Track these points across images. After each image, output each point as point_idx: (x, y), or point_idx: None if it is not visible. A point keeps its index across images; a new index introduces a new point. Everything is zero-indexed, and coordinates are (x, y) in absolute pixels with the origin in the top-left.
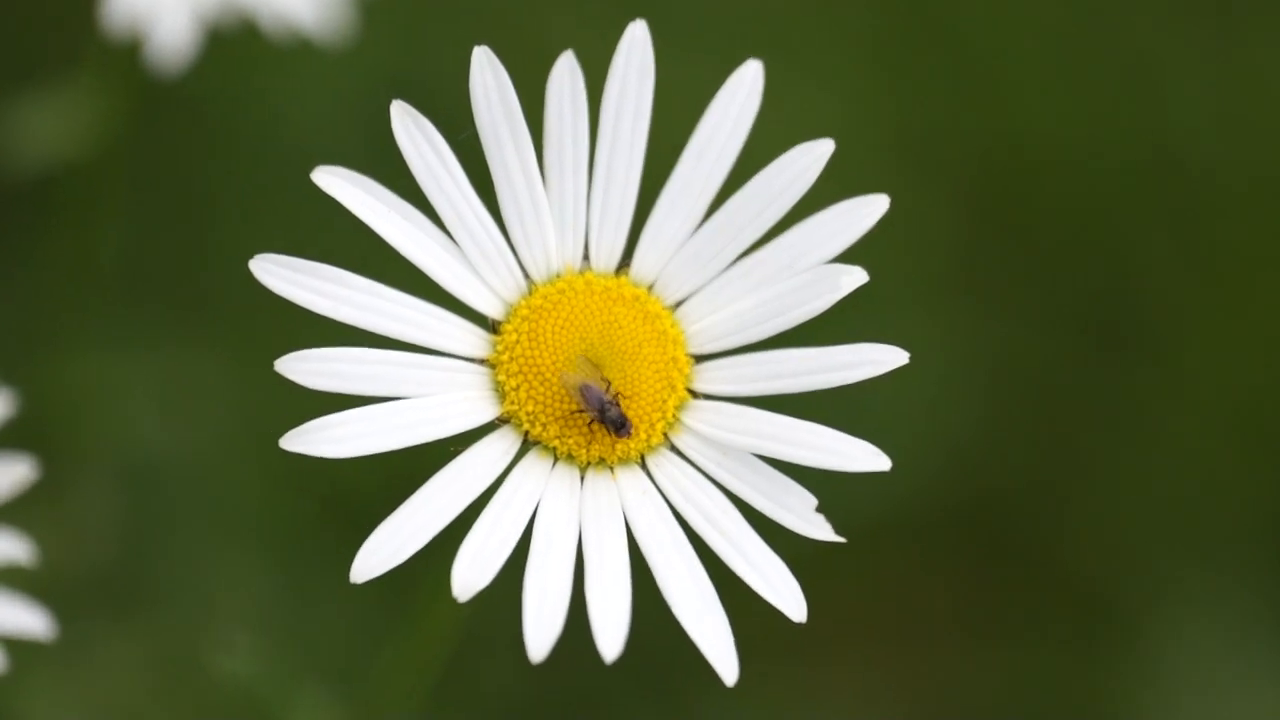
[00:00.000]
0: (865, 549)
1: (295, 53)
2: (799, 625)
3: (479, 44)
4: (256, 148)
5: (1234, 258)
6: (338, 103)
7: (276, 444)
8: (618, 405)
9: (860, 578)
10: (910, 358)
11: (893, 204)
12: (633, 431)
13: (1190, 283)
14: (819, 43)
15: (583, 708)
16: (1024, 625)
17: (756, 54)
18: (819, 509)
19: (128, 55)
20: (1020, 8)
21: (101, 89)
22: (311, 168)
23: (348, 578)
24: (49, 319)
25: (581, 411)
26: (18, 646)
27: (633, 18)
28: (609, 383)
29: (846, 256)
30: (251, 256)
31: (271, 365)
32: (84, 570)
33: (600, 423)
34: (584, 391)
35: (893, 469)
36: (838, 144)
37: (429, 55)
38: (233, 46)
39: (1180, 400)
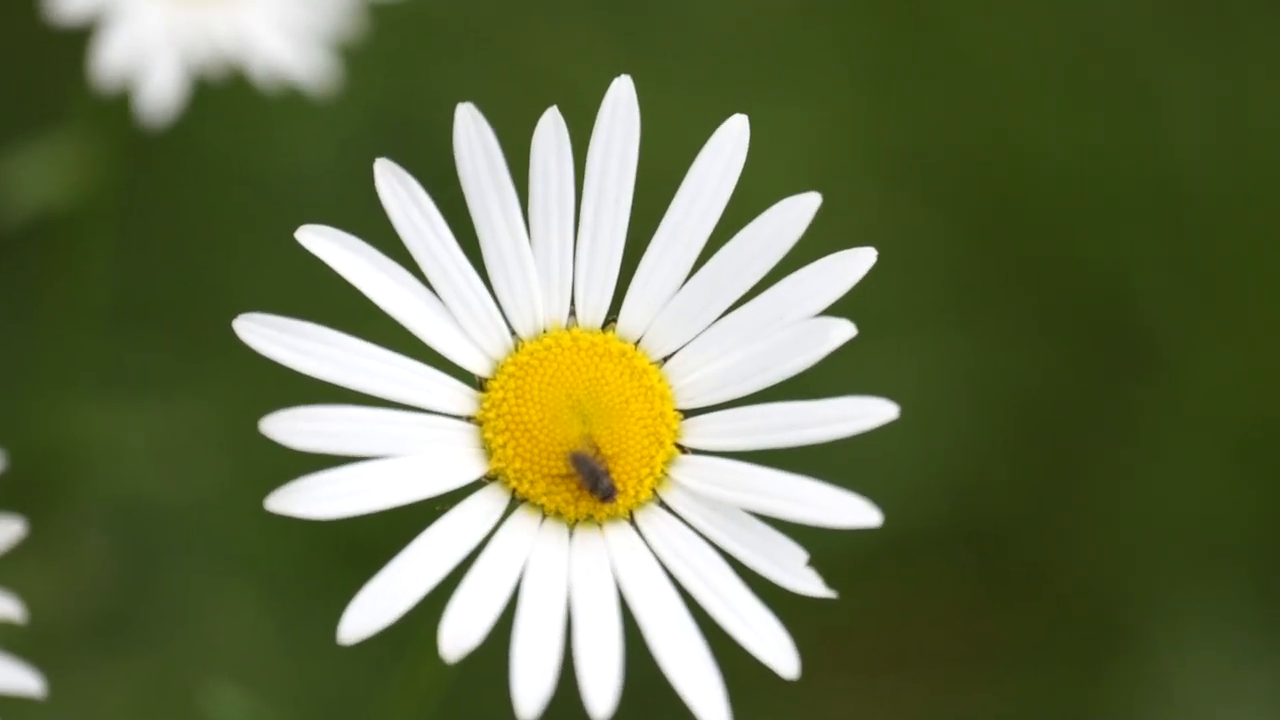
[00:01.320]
0: (862, 575)
1: (289, 100)
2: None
3: (465, 100)
4: (252, 193)
5: (1231, 275)
6: (334, 146)
7: (275, 486)
8: (609, 475)
9: (859, 605)
10: (904, 377)
11: (886, 221)
12: (615, 495)
13: (1188, 299)
14: (810, 58)
15: None
16: (1024, 649)
17: (744, 72)
18: (810, 563)
19: (119, 106)
20: (1015, 22)
21: (93, 138)
22: (306, 214)
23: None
24: (44, 366)
25: (570, 476)
26: (8, 698)
27: (625, 48)
28: (598, 449)
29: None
30: (247, 301)
31: (265, 411)
32: (78, 615)
33: (589, 490)
34: (576, 461)
35: (889, 492)
36: (828, 161)
37: (424, 94)
38: (226, 95)
39: (1179, 418)
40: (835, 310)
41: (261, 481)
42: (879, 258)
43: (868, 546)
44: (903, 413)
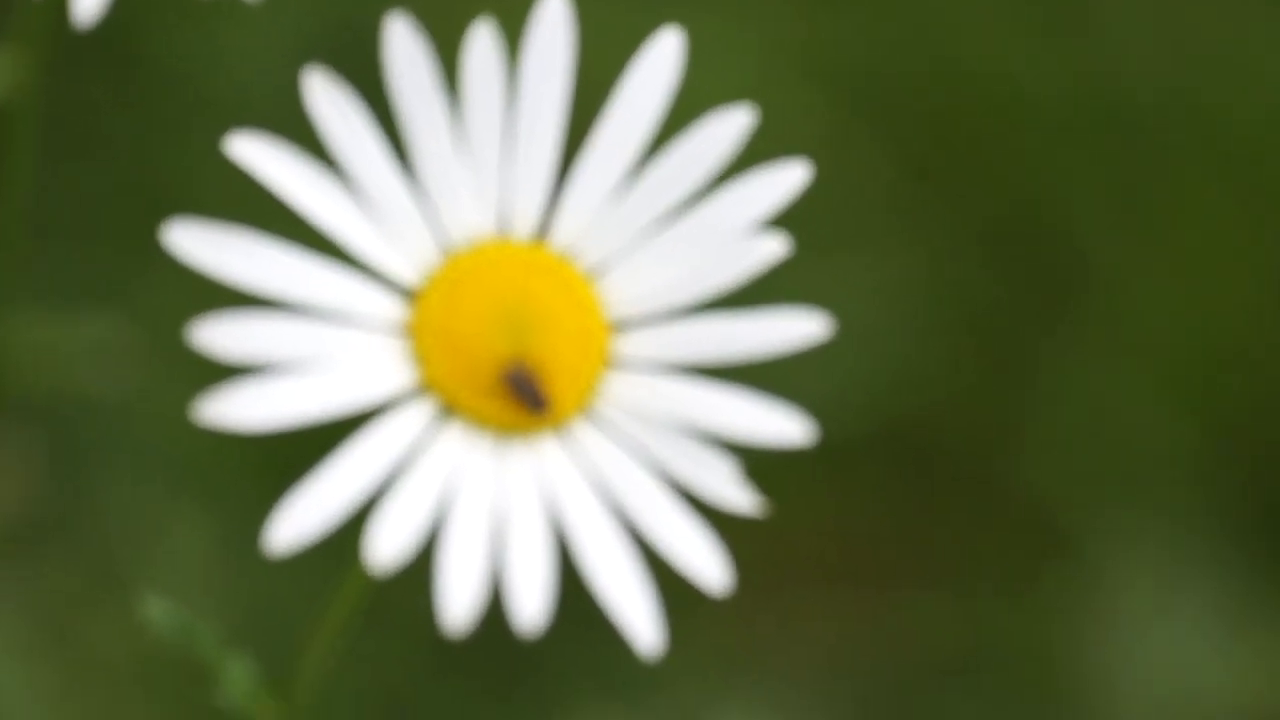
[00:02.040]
0: (803, 488)
1: (231, 6)
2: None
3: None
4: (191, 102)
5: (1170, 196)
6: (277, 53)
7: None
8: (538, 387)
9: (798, 518)
10: (848, 294)
11: (830, 142)
12: (548, 409)
13: (1126, 224)
14: None
15: (523, 666)
16: (964, 559)
17: None
18: (740, 477)
19: (48, 9)
20: None
21: (21, 41)
22: (246, 123)
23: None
24: None
25: (505, 395)
26: None
27: None
28: (524, 363)
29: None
30: (181, 210)
31: (194, 319)
32: (6, 521)
33: (519, 402)
34: (510, 377)
35: (833, 406)
36: (772, 80)
37: (360, 7)
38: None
39: (1118, 340)
40: (778, 230)
41: (193, 389)
42: (821, 177)
43: (807, 460)
44: (845, 329)
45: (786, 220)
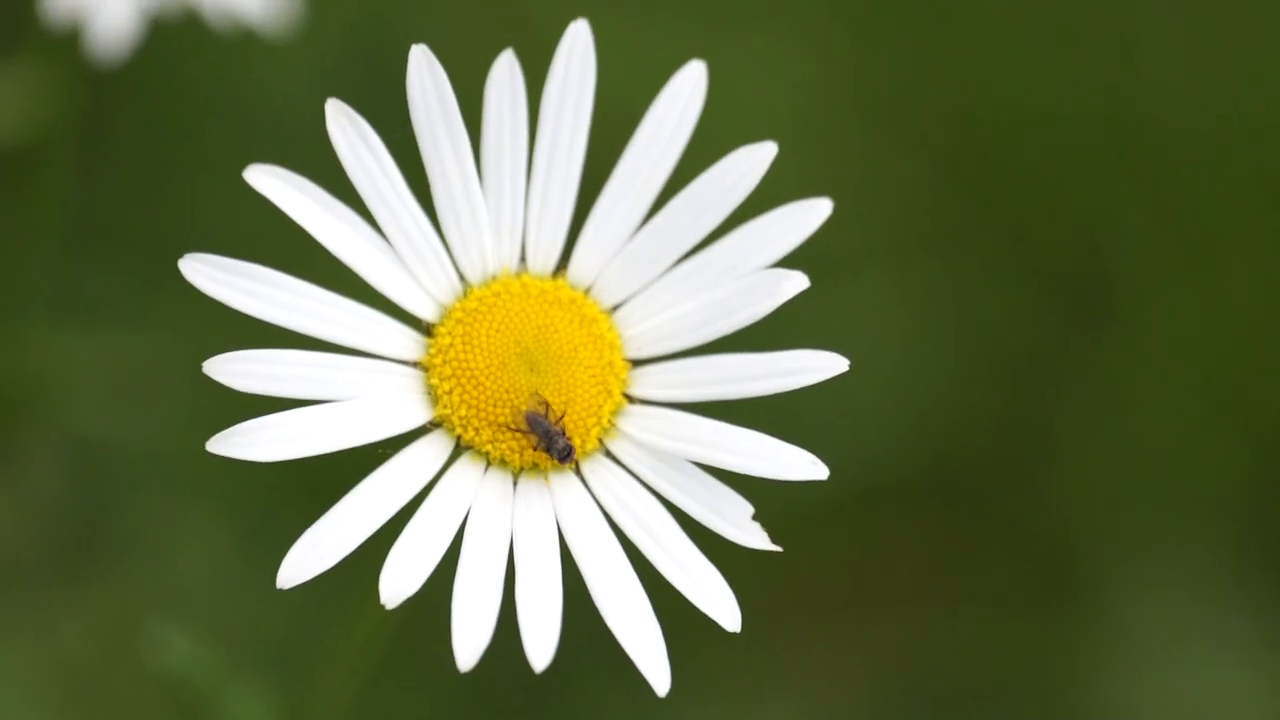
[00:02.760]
0: (827, 520)
1: (249, 39)
2: (762, 596)
3: (418, 42)
4: (221, 125)
5: (1208, 221)
6: (307, 76)
7: (231, 422)
8: (565, 434)
9: (822, 550)
10: (878, 322)
11: (859, 162)
12: (574, 458)
13: (1162, 246)
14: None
15: (542, 691)
16: (987, 594)
17: (718, 11)
18: (755, 517)
19: (70, 41)
20: None
21: (46, 71)
22: (275, 146)
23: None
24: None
25: (526, 433)
26: None
27: None
28: (549, 406)
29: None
30: (210, 234)
31: (225, 345)
32: (35, 545)
33: (545, 450)
34: (530, 421)
35: (855, 434)
36: (803, 101)
37: (395, 24)
38: (198, 25)
39: (1150, 367)
40: (811, 253)
41: (222, 413)
42: (864, 201)
43: (832, 493)
44: (870, 354)
45: (815, 244)
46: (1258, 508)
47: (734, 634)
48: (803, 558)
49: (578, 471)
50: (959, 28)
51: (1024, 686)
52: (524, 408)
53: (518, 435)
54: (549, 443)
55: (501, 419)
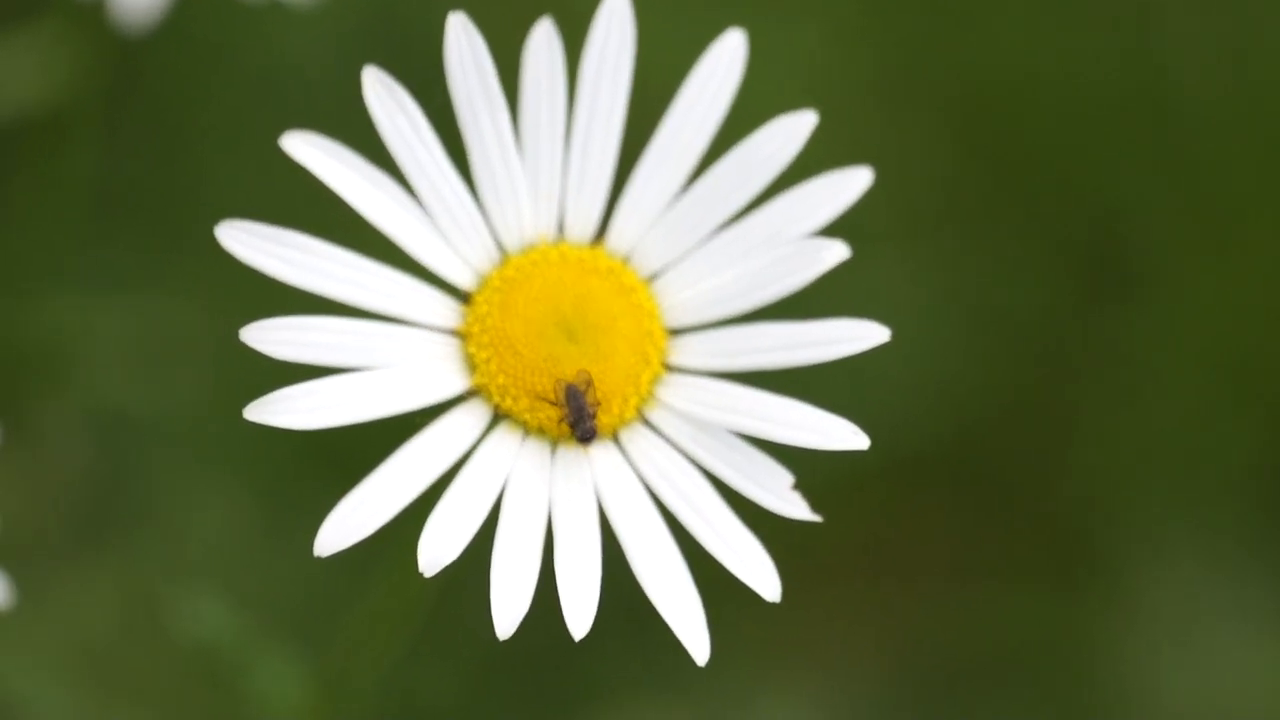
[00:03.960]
0: (849, 490)
1: (273, 8)
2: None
3: (453, 10)
4: (248, 93)
5: (1227, 195)
6: (333, 44)
7: (255, 390)
8: (594, 420)
9: (846, 522)
10: (896, 296)
11: (878, 139)
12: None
13: (1182, 219)
14: None
15: (568, 655)
16: (1009, 568)
17: None
18: (795, 486)
19: (96, 9)
20: None
21: (71, 39)
22: (302, 115)
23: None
24: (26, 265)
25: (559, 404)
26: None
27: None
28: (591, 384)
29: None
30: (238, 202)
31: (248, 313)
32: (58, 516)
33: (570, 425)
34: (570, 394)
35: (877, 409)
36: (833, 78)
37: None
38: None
39: (1170, 341)
40: (835, 229)
41: (248, 382)
42: (881, 176)
43: (860, 466)
44: (899, 333)
45: (849, 220)
46: (1276, 482)
47: (772, 603)
48: (825, 530)
49: (616, 440)
50: (978, 5)
51: (1042, 660)
52: (567, 379)
53: (551, 405)
54: (577, 417)
55: (539, 388)
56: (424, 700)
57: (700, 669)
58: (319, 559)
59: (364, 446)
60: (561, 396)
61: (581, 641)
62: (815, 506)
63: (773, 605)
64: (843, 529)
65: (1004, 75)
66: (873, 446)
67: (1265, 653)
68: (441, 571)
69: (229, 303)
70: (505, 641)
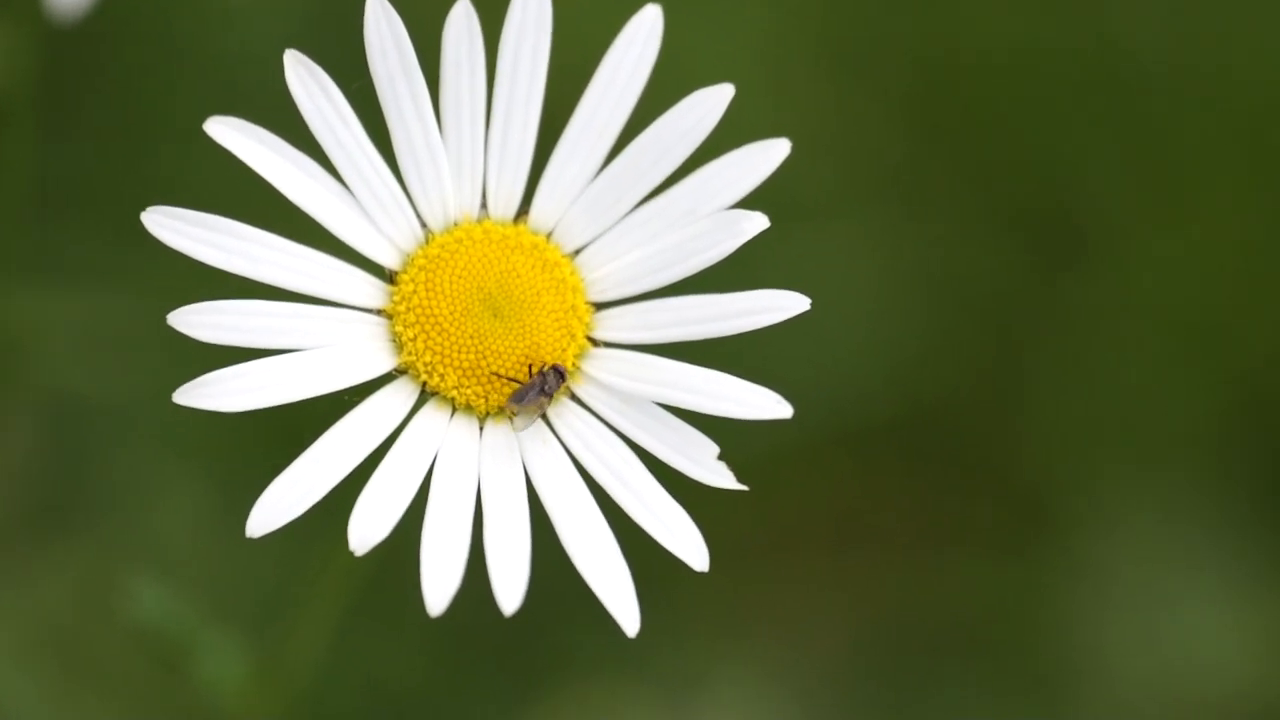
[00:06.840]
0: (805, 460)
1: None
2: (735, 540)
3: None
4: (193, 80)
5: (1179, 164)
6: (279, 32)
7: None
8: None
9: (800, 491)
10: (852, 269)
11: (826, 111)
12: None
13: (1135, 190)
14: None
15: (535, 632)
16: (965, 533)
17: None
18: (723, 458)
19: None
20: None
21: (5, 30)
22: (247, 102)
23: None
24: None
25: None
26: None
27: None
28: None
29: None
30: (180, 190)
31: (196, 300)
32: (11, 503)
33: (545, 393)
34: (541, 374)
35: (831, 379)
36: (771, 52)
37: None
38: None
39: (1123, 308)
40: (784, 203)
41: (196, 369)
42: (834, 149)
43: (812, 437)
44: (843, 299)
45: (788, 193)
46: (1230, 445)
47: (714, 571)
48: (784, 500)
49: (544, 416)
50: None
51: (1003, 627)
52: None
53: (478, 375)
54: (543, 385)
55: (466, 363)
56: (391, 678)
57: (653, 646)
58: (271, 541)
59: (324, 426)
60: (531, 377)
61: (548, 618)
62: (777, 476)
63: (733, 577)
64: (804, 499)
65: (958, 44)
66: (832, 417)
67: (1217, 617)
68: (380, 551)
69: (182, 292)
70: (473, 619)
